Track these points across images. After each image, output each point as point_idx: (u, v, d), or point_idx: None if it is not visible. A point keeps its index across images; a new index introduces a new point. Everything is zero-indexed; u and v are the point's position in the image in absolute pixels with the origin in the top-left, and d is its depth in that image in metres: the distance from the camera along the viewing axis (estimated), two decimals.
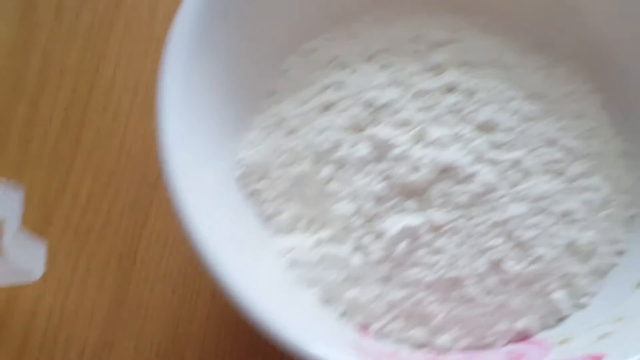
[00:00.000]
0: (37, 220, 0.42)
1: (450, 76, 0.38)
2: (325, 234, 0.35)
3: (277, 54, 0.41)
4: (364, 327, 0.34)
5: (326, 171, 0.36)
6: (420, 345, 0.34)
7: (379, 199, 0.34)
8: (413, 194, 0.34)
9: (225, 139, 0.37)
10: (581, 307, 0.35)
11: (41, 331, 0.39)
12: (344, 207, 0.35)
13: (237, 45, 0.38)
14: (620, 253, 0.37)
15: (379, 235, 0.34)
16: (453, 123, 0.36)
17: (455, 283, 0.33)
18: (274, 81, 0.40)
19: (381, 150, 0.35)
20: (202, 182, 0.33)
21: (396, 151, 0.35)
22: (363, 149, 0.35)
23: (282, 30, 0.40)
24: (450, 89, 0.38)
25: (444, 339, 0.33)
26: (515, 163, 0.35)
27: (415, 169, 0.34)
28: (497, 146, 0.36)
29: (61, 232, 0.41)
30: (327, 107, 0.38)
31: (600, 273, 0.36)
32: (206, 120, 0.35)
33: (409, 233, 0.33)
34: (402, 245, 0.33)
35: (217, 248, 0.29)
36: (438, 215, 0.34)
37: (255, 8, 0.38)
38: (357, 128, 0.37)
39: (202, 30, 0.35)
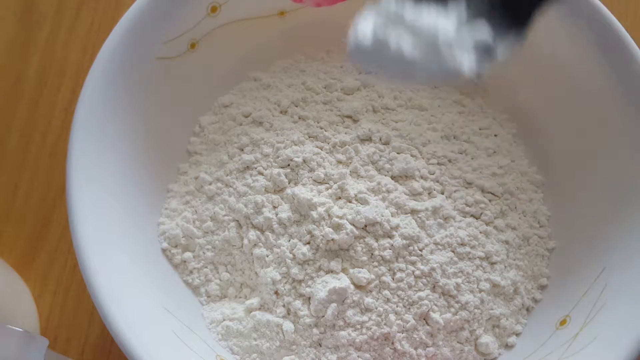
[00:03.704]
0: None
1: (365, 125, 0.38)
2: (255, 300, 0.35)
3: (192, 112, 0.40)
4: None
5: (251, 236, 0.36)
6: None
7: (305, 262, 0.34)
8: (337, 253, 0.35)
9: (145, 210, 0.37)
10: (509, 347, 0.36)
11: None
12: (271, 273, 0.35)
13: (150, 105, 0.37)
14: (543, 287, 0.37)
15: (308, 299, 0.34)
16: (371, 176, 0.37)
17: (386, 339, 0.34)
18: (191, 141, 0.40)
19: (303, 212, 0.35)
20: (117, 261, 0.33)
21: (317, 211, 0.35)
22: (284, 212, 0.35)
23: (195, 88, 0.40)
24: (365, 139, 0.38)
25: None
26: (435, 210, 0.36)
27: (337, 228, 0.34)
28: (415, 195, 0.36)
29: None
30: (245, 168, 0.37)
31: (525, 311, 0.37)
32: (120, 194, 0.35)
33: (337, 295, 0.33)
34: (332, 308, 0.33)
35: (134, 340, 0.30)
36: (364, 274, 0.34)
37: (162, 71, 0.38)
38: (277, 189, 0.36)
39: (111, 94, 0.35)
